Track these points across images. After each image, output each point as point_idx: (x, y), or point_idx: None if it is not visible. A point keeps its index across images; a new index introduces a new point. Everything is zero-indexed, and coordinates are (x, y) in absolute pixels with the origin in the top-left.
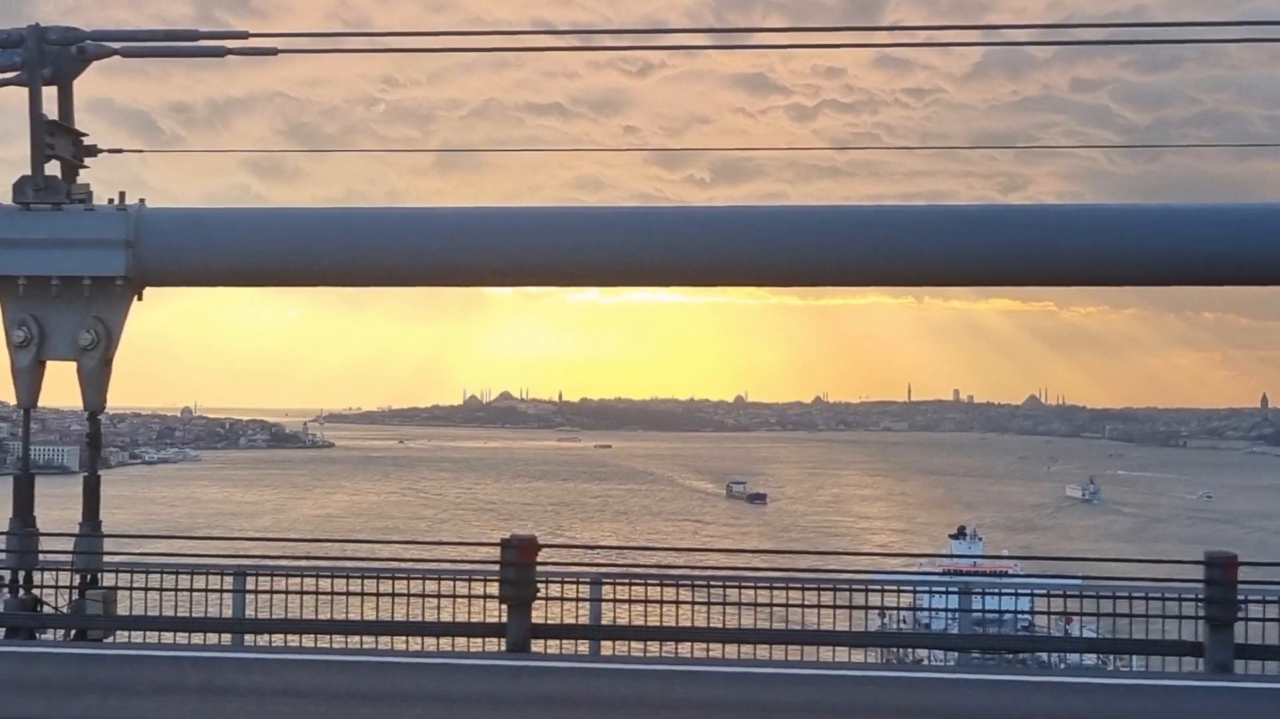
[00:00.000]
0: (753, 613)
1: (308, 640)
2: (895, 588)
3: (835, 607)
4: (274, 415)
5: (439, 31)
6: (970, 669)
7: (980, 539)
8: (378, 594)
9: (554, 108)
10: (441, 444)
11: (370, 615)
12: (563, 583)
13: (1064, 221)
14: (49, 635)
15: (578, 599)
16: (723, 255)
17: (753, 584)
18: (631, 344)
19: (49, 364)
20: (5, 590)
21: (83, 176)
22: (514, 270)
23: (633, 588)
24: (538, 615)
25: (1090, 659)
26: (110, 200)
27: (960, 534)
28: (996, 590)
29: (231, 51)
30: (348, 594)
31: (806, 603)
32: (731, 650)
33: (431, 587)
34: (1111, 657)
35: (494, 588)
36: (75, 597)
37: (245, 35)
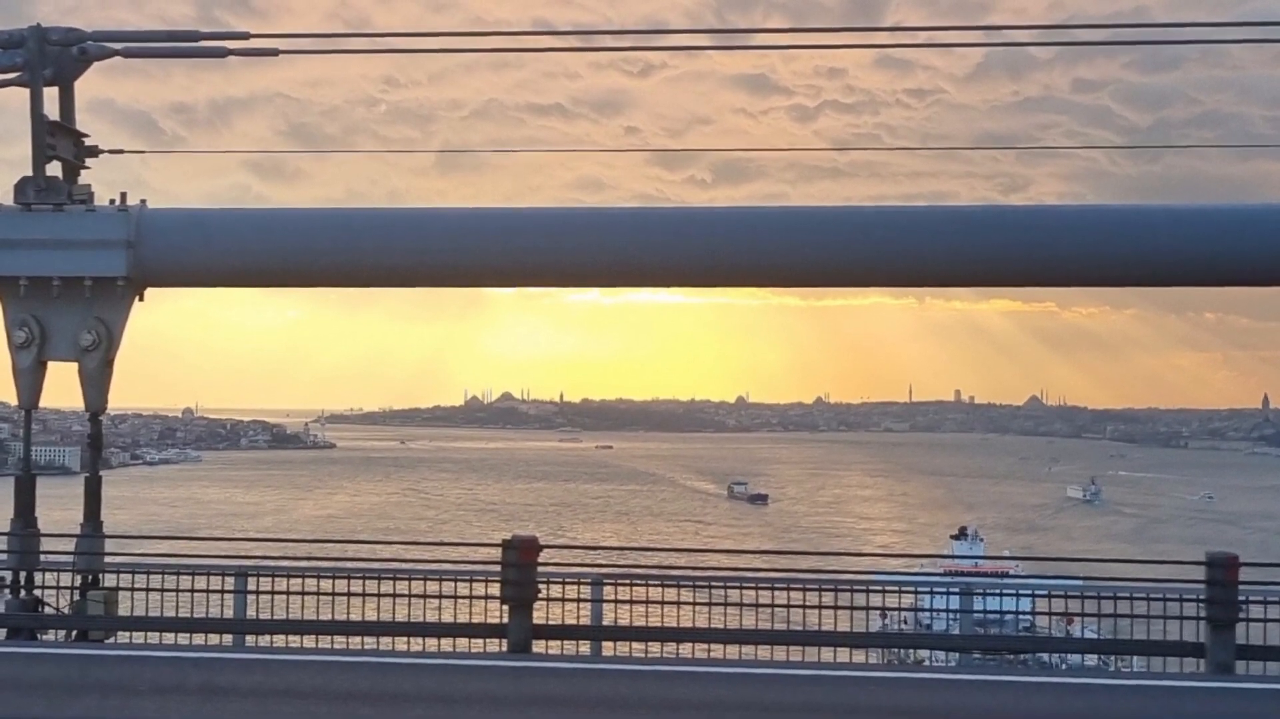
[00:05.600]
0: (754, 614)
1: (309, 641)
2: (896, 589)
3: (836, 607)
4: (275, 416)
5: (440, 32)
6: (971, 670)
7: (981, 540)
8: (379, 595)
9: (555, 108)
10: (443, 445)
11: (371, 616)
12: (564, 584)
13: (1065, 222)
14: (50, 636)
15: (579, 600)
16: (724, 256)
17: (754, 585)
18: (632, 344)
19: (50, 365)
20: (7, 591)
21: (84, 177)
22: (515, 271)
23: (634, 589)
24: (539, 616)
25: (1091, 660)
26: (111, 201)
27: (961, 535)
28: (998, 591)
29: (232, 52)
30: (349, 595)
31: (808, 604)
32: (733, 651)
33: (433, 587)
34: (1113, 657)
35: (495, 589)
36: (76, 597)
37: (246, 36)
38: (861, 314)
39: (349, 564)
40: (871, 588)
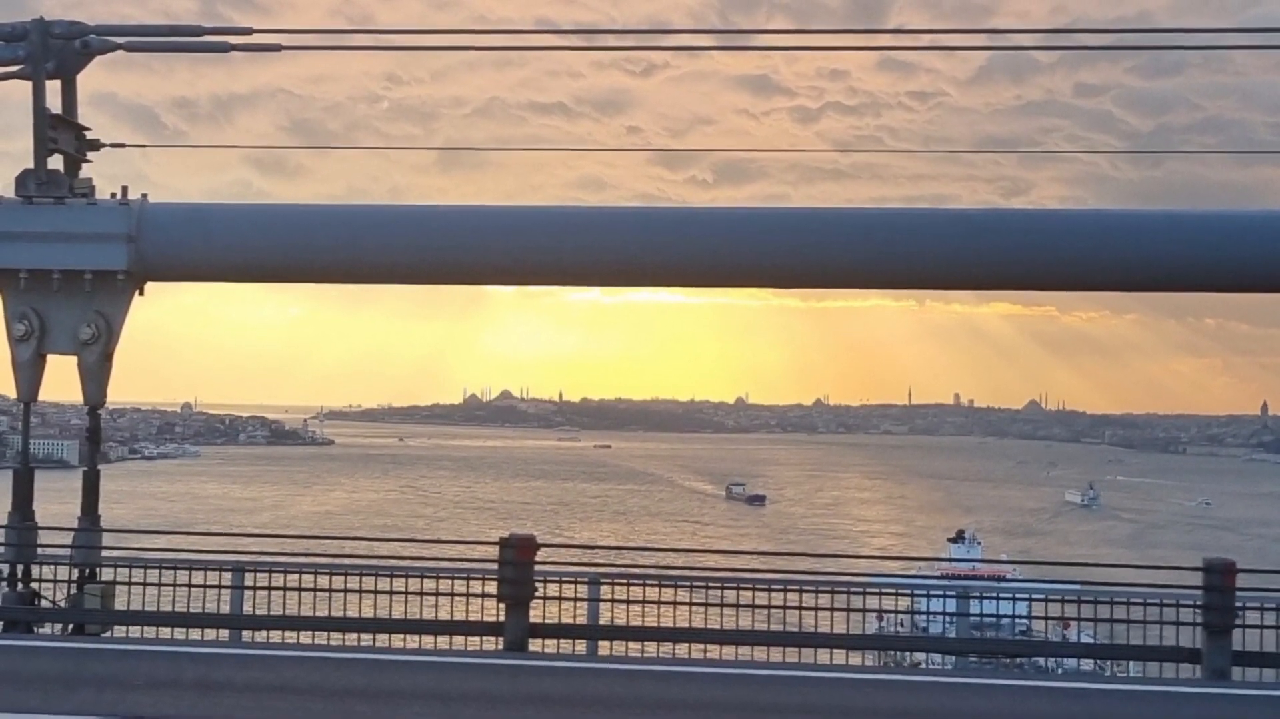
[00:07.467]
0: (751, 614)
1: (305, 637)
2: (893, 591)
3: (833, 609)
4: (274, 412)
5: (443, 30)
6: (967, 673)
7: (979, 543)
8: (376, 592)
9: (557, 107)
10: (441, 442)
11: (368, 613)
12: (561, 582)
13: (1066, 226)
14: (47, 629)
15: (576, 599)
16: (724, 257)
17: (751, 586)
18: (632, 344)
19: (49, 358)
20: (4, 584)
21: (85, 171)
22: (515, 269)
23: (631, 588)
24: (536, 615)
25: (1087, 664)
26: (112, 195)
27: (959, 538)
28: (994, 594)
29: (235, 47)
30: (346, 591)
31: (805, 605)
32: (729, 652)
33: (430, 585)
34: (1109, 662)
35: (492, 587)
36: (73, 591)
37: (249, 31)
38: (861, 316)
39: (346, 560)
40: (868, 590)
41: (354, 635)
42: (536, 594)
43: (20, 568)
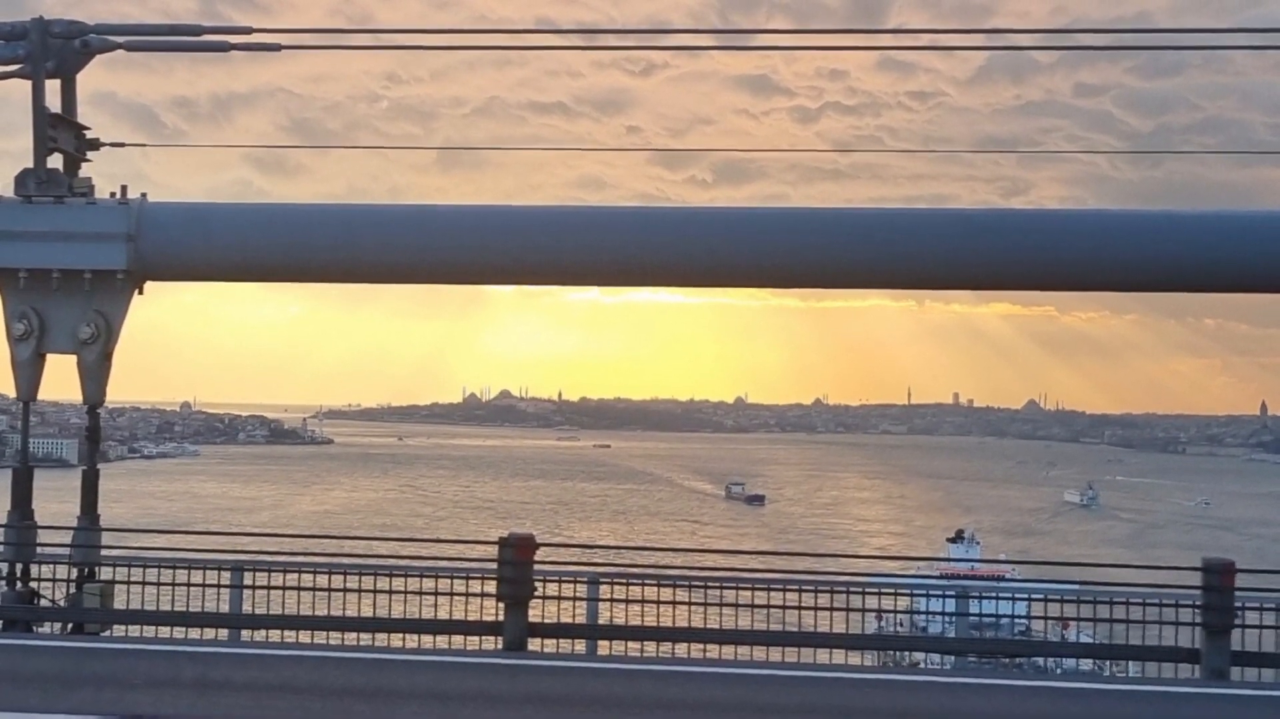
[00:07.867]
0: (750, 614)
1: (304, 637)
2: (892, 591)
3: (832, 609)
4: (273, 411)
5: (443, 29)
6: (967, 673)
7: (978, 543)
8: (375, 591)
9: (557, 106)
10: (440, 442)
11: (367, 612)
12: (560, 582)
13: (1065, 226)
14: (46, 628)
15: (575, 598)
16: (724, 256)
17: (750, 585)
18: (631, 344)
19: (49, 357)
20: (3, 583)
21: (84, 170)
22: (515, 269)
23: (630, 588)
24: (535, 614)
25: (1086, 664)
26: (112, 194)
27: (958, 538)
28: (993, 594)
29: (235, 47)
30: (345, 591)
31: (804, 605)
32: (728, 651)
33: (429, 584)
34: (1108, 662)
35: (491, 586)
36: (72, 590)
37: (249, 30)
38: (861, 316)
39: (345, 560)
40: (867, 590)
41: (353, 635)
42: (535, 594)
43: (19, 567)
